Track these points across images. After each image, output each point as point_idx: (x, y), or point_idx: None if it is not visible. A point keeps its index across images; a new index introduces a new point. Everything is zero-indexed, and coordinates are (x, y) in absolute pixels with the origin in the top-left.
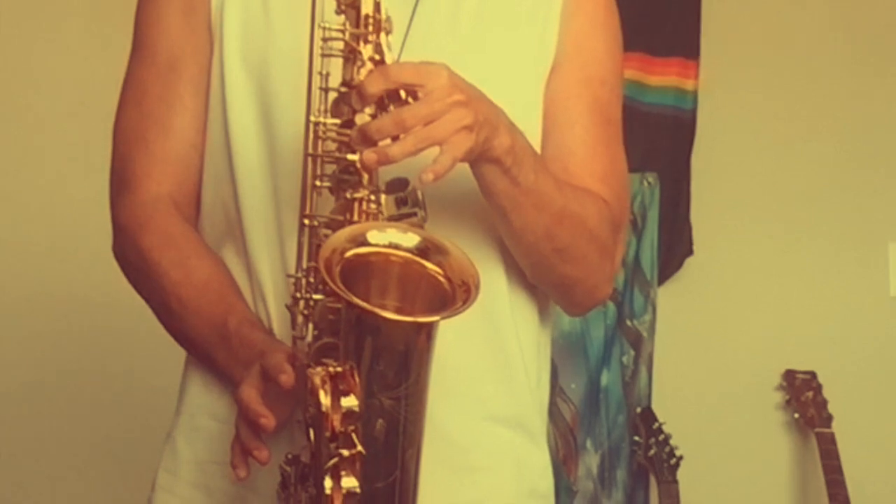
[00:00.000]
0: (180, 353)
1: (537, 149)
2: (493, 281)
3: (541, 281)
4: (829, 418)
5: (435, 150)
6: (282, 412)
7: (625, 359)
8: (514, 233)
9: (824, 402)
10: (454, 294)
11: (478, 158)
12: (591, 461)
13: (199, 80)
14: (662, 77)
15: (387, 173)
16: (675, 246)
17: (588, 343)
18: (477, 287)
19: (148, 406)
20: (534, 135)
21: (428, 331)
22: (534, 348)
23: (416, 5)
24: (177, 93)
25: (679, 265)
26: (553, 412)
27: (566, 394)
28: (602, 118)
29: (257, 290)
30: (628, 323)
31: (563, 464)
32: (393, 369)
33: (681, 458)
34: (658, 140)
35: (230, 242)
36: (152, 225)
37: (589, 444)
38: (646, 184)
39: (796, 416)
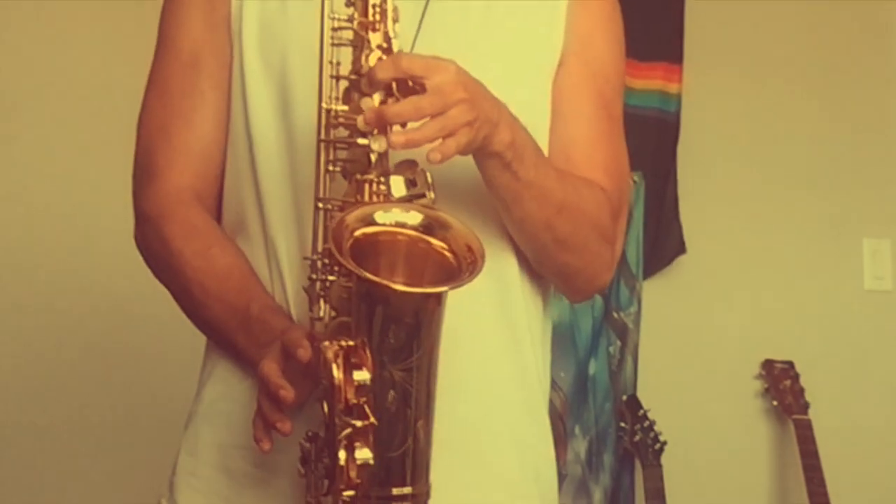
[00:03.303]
0: (200, 339)
1: (545, 139)
2: (506, 268)
3: (543, 269)
4: (806, 406)
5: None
6: (302, 390)
7: (611, 349)
8: (516, 223)
9: (801, 391)
10: (460, 267)
11: (479, 152)
12: (579, 446)
13: (219, 75)
14: (647, 81)
15: (397, 157)
16: (661, 242)
17: (577, 334)
18: (482, 257)
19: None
20: (541, 126)
21: (437, 302)
22: (540, 335)
23: (426, 4)
24: (198, 88)
25: (669, 262)
26: None
27: (556, 382)
28: (605, 113)
29: (275, 273)
30: (615, 315)
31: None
32: (403, 342)
33: (665, 443)
34: (643, 141)
35: (249, 229)
36: (175, 215)
37: (577, 430)
38: (631, 183)
39: (775, 403)
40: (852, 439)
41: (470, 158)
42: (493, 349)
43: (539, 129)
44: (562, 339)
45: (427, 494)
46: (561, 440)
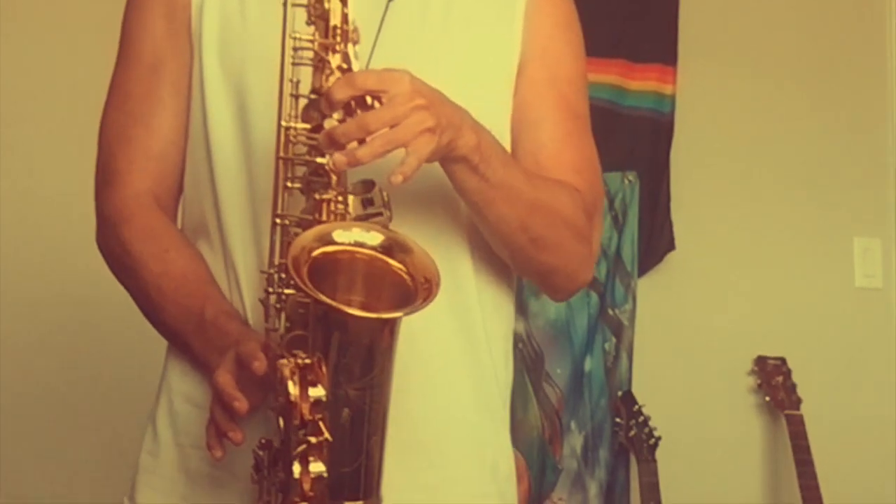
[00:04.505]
0: (161, 340)
1: (507, 144)
2: (460, 270)
3: (522, 270)
4: (798, 401)
5: (401, 152)
6: (255, 398)
7: (607, 345)
8: (490, 226)
9: (793, 386)
10: (416, 290)
11: (446, 158)
12: (575, 441)
13: (180, 81)
14: (642, 82)
15: (354, 175)
16: (655, 240)
17: (573, 331)
18: (438, 284)
19: (133, 389)
20: (503, 132)
21: (391, 326)
22: (501, 336)
23: (385, 11)
24: (158, 93)
25: (660, 259)
26: (540, 396)
27: (552, 378)
28: (570, 113)
29: (233, 282)
30: (610, 312)
31: (549, 444)
32: (358, 362)
33: (659, 438)
34: (638, 141)
35: (209, 236)
36: (134, 218)
37: (573, 425)
38: (626, 182)
39: (767, 399)
40: (843, 434)
41: (425, 166)
42: (448, 352)
43: (501, 134)
44: (558, 336)
45: None
46: (557, 435)
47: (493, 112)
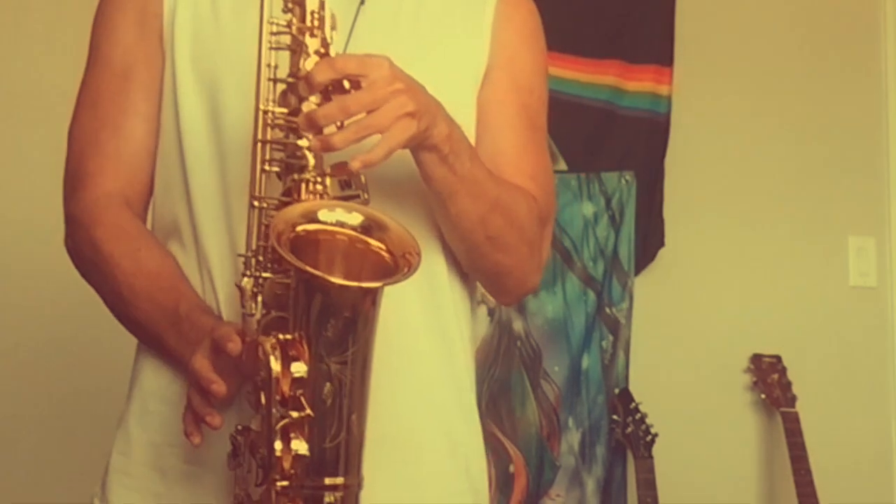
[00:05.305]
0: (130, 341)
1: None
2: (434, 264)
3: (475, 269)
4: (794, 399)
5: (377, 137)
6: (232, 384)
7: (604, 343)
8: (451, 219)
9: (789, 384)
10: (396, 266)
11: (418, 146)
12: (572, 438)
13: (150, 86)
14: (639, 83)
15: (333, 157)
16: (650, 239)
17: (570, 329)
18: (418, 256)
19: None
20: (469, 135)
21: (373, 297)
22: (468, 336)
23: (357, 11)
24: (129, 98)
25: (652, 256)
26: (538, 393)
27: (550, 376)
28: (529, 123)
29: (206, 273)
30: (607, 310)
31: (546, 441)
32: (340, 335)
33: (656, 435)
34: (635, 141)
35: (180, 235)
36: (105, 219)
37: (571, 422)
38: (623, 181)
39: (763, 396)
40: (838, 431)
41: (402, 158)
42: (424, 350)
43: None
44: (556, 334)
45: (359, 486)
46: (555, 432)
47: (459, 115)
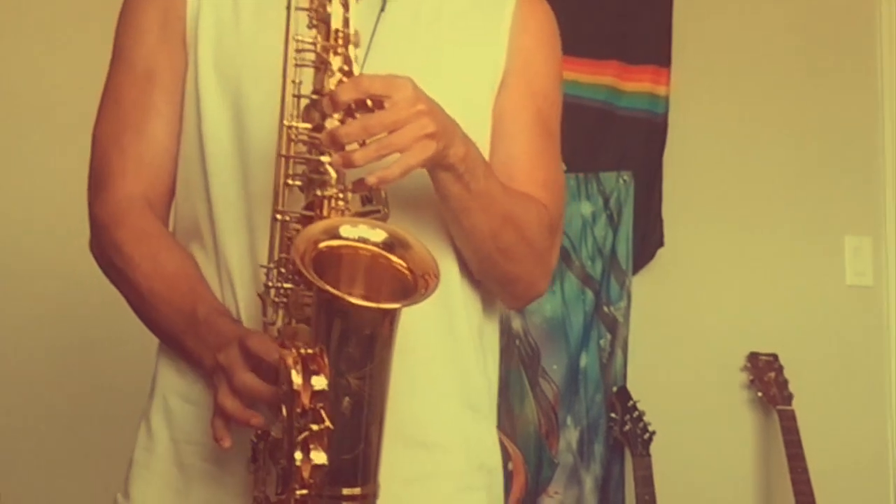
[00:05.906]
0: (152, 341)
1: (487, 154)
2: (447, 272)
3: (485, 277)
4: (790, 397)
5: (397, 154)
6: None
7: (602, 342)
8: (464, 233)
9: (785, 382)
10: (416, 284)
11: (435, 165)
12: (571, 436)
13: (173, 88)
14: (637, 83)
15: (355, 174)
16: (649, 238)
17: (568, 328)
18: (436, 278)
19: (126, 388)
20: (484, 143)
21: (391, 317)
22: (480, 336)
23: (376, 23)
24: (152, 100)
25: (651, 256)
26: (536, 391)
27: (548, 374)
28: (544, 130)
29: (226, 280)
30: (605, 309)
31: (545, 439)
32: (359, 351)
33: (653, 433)
34: (633, 142)
35: (201, 238)
36: (126, 221)
37: (569, 420)
38: (621, 181)
39: (759, 394)
40: (834, 429)
41: (417, 171)
42: (435, 352)
43: (482, 145)
44: (554, 333)
45: (375, 495)
46: (553, 430)
47: (475, 122)
